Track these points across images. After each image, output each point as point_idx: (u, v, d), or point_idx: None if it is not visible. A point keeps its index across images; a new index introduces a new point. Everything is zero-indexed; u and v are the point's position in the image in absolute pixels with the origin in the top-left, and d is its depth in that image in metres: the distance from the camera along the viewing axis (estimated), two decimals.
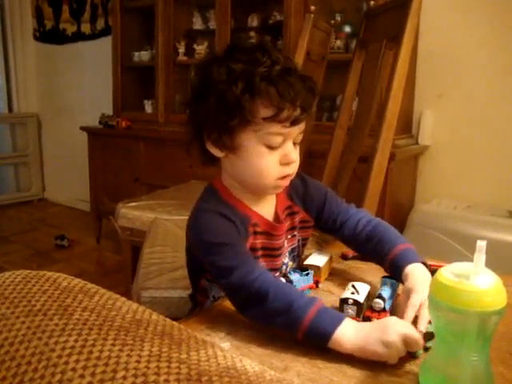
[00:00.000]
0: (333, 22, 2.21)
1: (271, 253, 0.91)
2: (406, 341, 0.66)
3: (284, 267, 0.95)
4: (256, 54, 0.81)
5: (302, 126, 0.84)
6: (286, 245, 0.95)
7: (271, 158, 0.82)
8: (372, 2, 1.93)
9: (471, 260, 0.57)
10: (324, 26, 2.05)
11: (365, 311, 0.79)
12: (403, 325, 0.69)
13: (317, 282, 0.94)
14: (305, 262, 0.97)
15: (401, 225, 2.19)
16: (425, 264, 0.85)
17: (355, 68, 1.82)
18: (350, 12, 2.50)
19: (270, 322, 0.75)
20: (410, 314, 0.74)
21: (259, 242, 0.89)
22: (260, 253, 0.89)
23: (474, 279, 0.55)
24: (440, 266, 0.61)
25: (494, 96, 2.23)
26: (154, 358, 0.37)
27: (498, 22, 2.19)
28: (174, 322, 0.47)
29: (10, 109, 4.51)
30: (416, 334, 0.67)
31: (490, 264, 0.57)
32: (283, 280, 0.86)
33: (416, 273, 0.82)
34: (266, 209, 0.92)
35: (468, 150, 2.31)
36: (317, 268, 0.95)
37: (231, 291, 0.79)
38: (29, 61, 4.45)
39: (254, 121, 0.79)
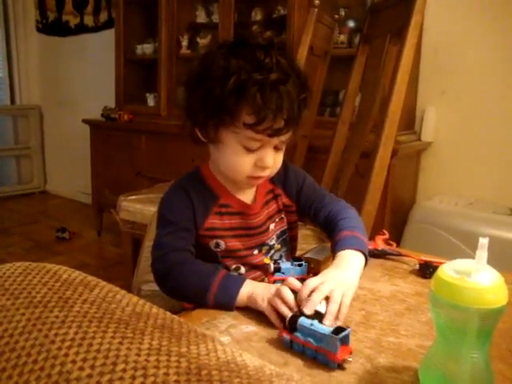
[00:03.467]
0: (337, 16, 2.20)
1: (248, 232, 0.94)
2: (282, 296, 0.73)
3: (267, 247, 0.97)
4: (258, 54, 0.79)
5: (284, 137, 0.84)
6: (271, 227, 0.97)
7: (247, 159, 0.84)
8: None
9: (472, 257, 0.57)
10: (328, 21, 2.04)
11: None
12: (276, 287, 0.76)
13: (316, 275, 0.93)
14: (305, 255, 0.97)
15: (402, 221, 2.19)
16: (363, 252, 0.85)
17: (358, 63, 1.81)
18: (354, 7, 2.48)
19: (183, 293, 0.84)
20: (303, 291, 0.75)
21: (233, 222, 0.93)
22: (232, 233, 0.93)
23: (476, 276, 0.55)
24: (441, 263, 0.61)
25: (497, 93, 2.22)
26: (154, 351, 0.37)
27: (502, 19, 2.18)
28: (174, 316, 0.47)
29: (13, 101, 4.51)
30: (286, 291, 0.74)
31: (491, 261, 0.56)
32: (272, 266, 0.89)
33: (338, 258, 0.83)
34: (246, 192, 0.95)
35: (470, 147, 2.30)
36: (316, 261, 0.95)
37: (155, 263, 0.86)
38: (31, 53, 4.45)
39: (234, 123, 0.80)
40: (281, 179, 0.99)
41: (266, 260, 0.95)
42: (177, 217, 0.89)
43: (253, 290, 0.78)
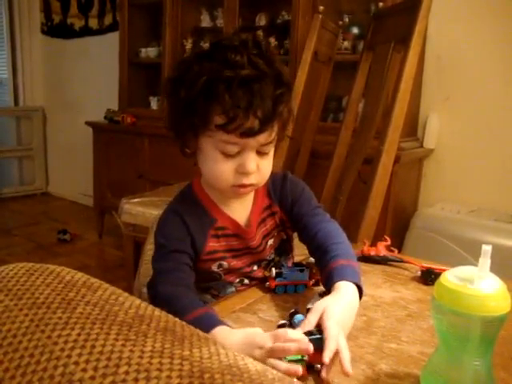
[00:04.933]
0: (341, 22, 2.21)
1: (246, 251, 0.91)
2: (273, 351, 0.62)
3: (266, 262, 0.95)
4: (229, 55, 0.76)
5: (262, 138, 0.78)
6: (269, 243, 0.94)
7: (226, 165, 0.80)
8: (381, 4, 1.93)
9: (473, 264, 0.57)
10: (332, 27, 2.04)
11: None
12: (265, 338, 0.65)
13: (317, 281, 0.94)
14: (307, 261, 0.96)
15: (404, 228, 2.18)
16: (357, 286, 0.77)
17: (362, 69, 1.82)
18: (358, 13, 2.49)
19: None
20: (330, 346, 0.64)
21: (230, 244, 0.89)
22: (232, 253, 0.90)
23: (479, 283, 0.55)
24: (443, 270, 0.61)
25: (500, 101, 2.22)
26: (157, 353, 0.37)
27: (505, 26, 2.18)
28: (177, 319, 0.47)
29: (16, 102, 4.52)
30: (278, 346, 0.62)
31: (493, 269, 0.56)
32: (274, 271, 0.88)
33: (338, 291, 0.75)
34: (240, 211, 0.91)
35: (473, 154, 2.30)
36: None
37: (147, 287, 0.84)
38: (36, 55, 4.46)
39: (206, 127, 0.77)
40: (277, 192, 0.93)
41: (267, 273, 0.95)
42: (168, 240, 0.85)
43: (230, 342, 0.66)
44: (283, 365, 0.61)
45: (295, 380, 0.49)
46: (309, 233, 0.89)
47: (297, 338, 0.64)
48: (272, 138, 0.80)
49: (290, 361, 0.62)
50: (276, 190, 0.93)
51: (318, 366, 0.64)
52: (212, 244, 0.88)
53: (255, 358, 0.56)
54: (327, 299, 0.73)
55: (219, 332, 0.68)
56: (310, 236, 0.89)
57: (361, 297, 0.78)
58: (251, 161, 0.79)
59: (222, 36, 0.98)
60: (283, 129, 0.84)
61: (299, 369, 0.61)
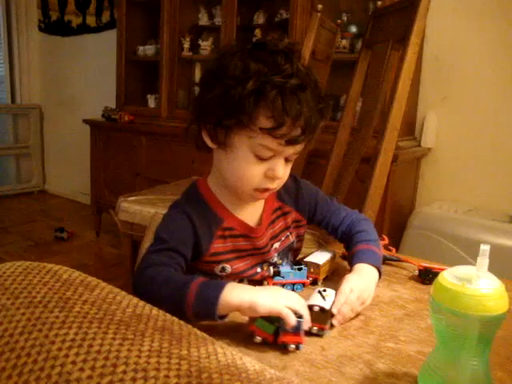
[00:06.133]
0: (339, 21, 2.20)
1: (251, 252, 0.92)
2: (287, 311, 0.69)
3: (268, 264, 0.95)
4: (278, 59, 0.77)
5: (299, 147, 0.81)
6: (275, 246, 0.95)
7: (256, 168, 0.80)
8: (379, 3, 1.93)
9: (470, 264, 0.57)
10: (330, 26, 2.04)
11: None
12: (290, 295, 0.73)
13: (315, 280, 0.94)
14: (305, 259, 0.96)
15: (401, 227, 2.19)
16: (376, 267, 0.89)
17: (360, 68, 1.82)
18: (357, 12, 2.49)
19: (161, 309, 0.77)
20: (340, 299, 0.79)
21: (236, 245, 0.89)
22: (235, 254, 0.90)
23: (477, 283, 0.55)
24: (440, 269, 0.61)
25: (497, 101, 2.22)
26: (155, 353, 0.37)
27: (503, 27, 2.18)
28: (174, 318, 0.47)
29: (13, 100, 4.50)
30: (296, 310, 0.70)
31: (490, 268, 0.56)
32: (271, 269, 0.89)
33: (355, 269, 0.87)
34: (249, 212, 0.91)
35: (470, 153, 2.31)
36: (316, 266, 0.94)
37: (134, 276, 0.80)
38: (33, 52, 4.44)
39: (250, 127, 0.77)
40: (292, 196, 0.96)
41: (265, 272, 0.95)
42: (171, 237, 0.83)
43: (247, 290, 0.72)
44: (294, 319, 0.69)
45: (293, 379, 0.49)
46: (338, 232, 0.99)
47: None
48: (303, 147, 0.83)
49: (263, 321, 0.70)
50: (290, 193, 0.96)
51: (315, 328, 0.73)
52: (217, 245, 0.88)
53: (276, 302, 0.69)
54: (347, 276, 0.85)
55: (234, 285, 0.72)
56: (340, 232, 0.99)
57: (380, 276, 0.89)
58: (281, 167, 0.82)
59: (266, 37, 1.01)
60: (312, 140, 0.85)
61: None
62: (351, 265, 0.90)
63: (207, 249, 0.86)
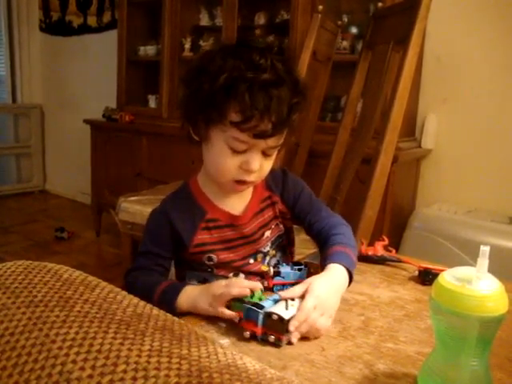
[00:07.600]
0: (340, 22, 2.21)
1: (239, 242, 0.94)
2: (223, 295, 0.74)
3: (261, 255, 0.97)
4: (253, 55, 0.79)
5: (272, 141, 0.83)
6: (266, 235, 0.97)
7: (231, 160, 0.83)
8: (380, 4, 1.93)
9: (470, 265, 0.57)
10: (331, 27, 2.04)
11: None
12: (220, 285, 0.77)
13: None
14: (305, 260, 0.97)
15: (401, 228, 2.19)
16: (349, 270, 0.83)
17: (361, 69, 1.82)
18: (358, 13, 2.49)
19: None
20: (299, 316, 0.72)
21: (223, 235, 0.92)
22: (223, 245, 0.92)
23: (477, 284, 0.55)
24: (440, 270, 0.61)
25: (498, 102, 2.22)
26: (155, 352, 0.37)
27: (504, 28, 2.18)
28: (175, 318, 0.47)
29: (14, 99, 4.51)
30: (224, 290, 0.75)
31: (490, 269, 0.56)
32: (272, 270, 0.89)
33: (327, 271, 0.82)
34: (235, 202, 0.94)
35: (471, 155, 2.31)
36: (316, 266, 0.94)
37: (124, 276, 0.91)
38: (34, 52, 4.45)
39: (221, 121, 0.80)
40: (279, 186, 0.98)
41: (264, 267, 0.95)
42: (150, 239, 0.93)
43: (192, 297, 0.79)
44: (227, 312, 0.74)
45: (293, 379, 0.49)
46: (314, 229, 0.96)
47: (250, 285, 0.76)
48: (280, 142, 0.85)
49: (234, 302, 0.74)
50: (277, 183, 0.98)
51: (272, 337, 0.71)
52: (201, 237, 0.91)
53: (211, 305, 0.75)
54: (315, 276, 0.80)
55: (185, 291, 0.80)
56: (316, 230, 0.96)
57: (350, 281, 0.84)
58: (256, 160, 0.83)
59: (249, 35, 1.05)
60: (290, 135, 0.88)
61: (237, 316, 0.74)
62: (324, 264, 0.85)
63: (190, 240, 0.91)
